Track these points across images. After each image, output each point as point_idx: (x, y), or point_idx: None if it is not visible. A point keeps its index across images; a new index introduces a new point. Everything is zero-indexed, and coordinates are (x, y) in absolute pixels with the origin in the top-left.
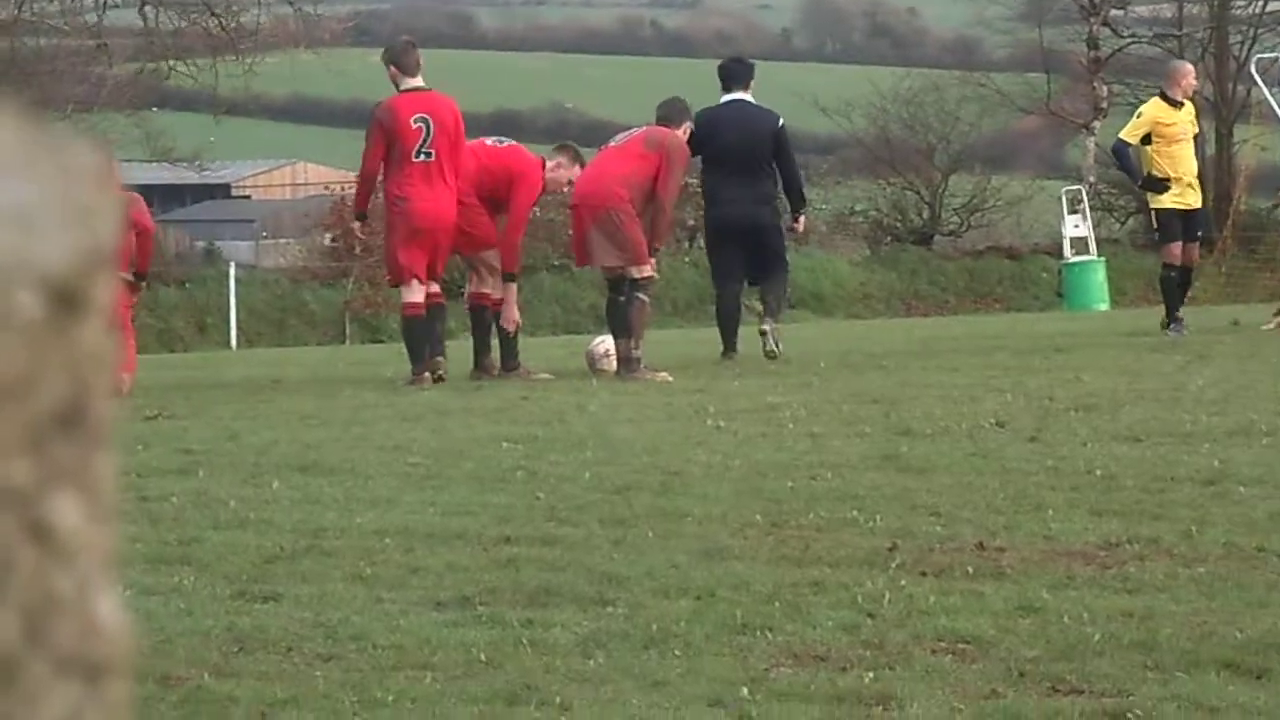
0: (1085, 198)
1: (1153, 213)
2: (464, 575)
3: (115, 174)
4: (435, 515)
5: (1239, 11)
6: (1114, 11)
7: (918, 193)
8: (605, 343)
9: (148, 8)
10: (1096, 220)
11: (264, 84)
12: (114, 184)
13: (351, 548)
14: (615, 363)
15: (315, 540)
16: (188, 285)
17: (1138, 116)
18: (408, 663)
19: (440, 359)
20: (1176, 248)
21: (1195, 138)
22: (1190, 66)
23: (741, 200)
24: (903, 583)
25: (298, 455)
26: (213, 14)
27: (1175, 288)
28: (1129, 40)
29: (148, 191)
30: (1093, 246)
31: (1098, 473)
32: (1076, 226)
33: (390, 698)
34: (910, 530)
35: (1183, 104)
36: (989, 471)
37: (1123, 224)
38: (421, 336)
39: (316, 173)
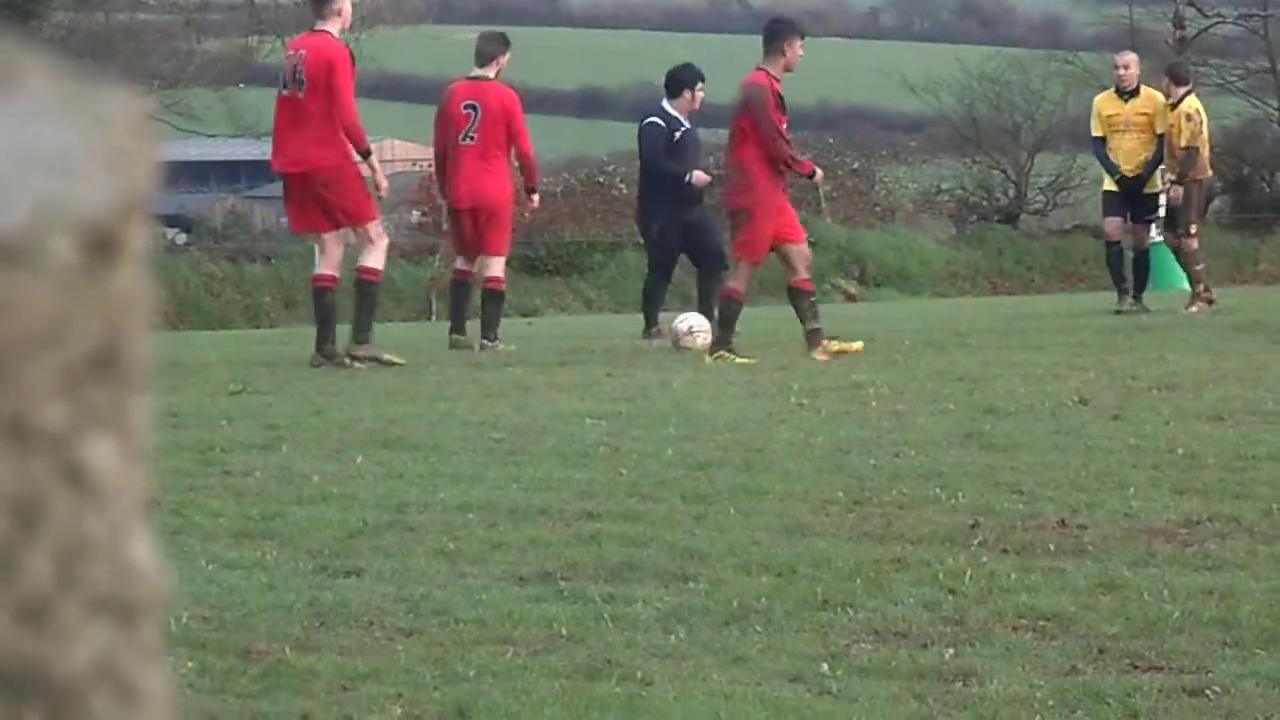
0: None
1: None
2: (546, 550)
3: (155, 124)
4: (518, 491)
5: None
6: None
7: (1004, 171)
8: (688, 320)
9: None
10: None
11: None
12: (151, 132)
13: (434, 523)
14: (698, 340)
15: (398, 515)
16: (274, 261)
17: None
18: (489, 637)
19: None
20: (1110, 224)
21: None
22: (1123, 55)
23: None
24: (984, 560)
25: (381, 431)
26: None
27: (1115, 263)
28: (1215, 20)
29: (235, 168)
30: None
31: (1179, 451)
32: (1161, 206)
33: (472, 672)
34: (992, 508)
35: (1135, 94)
36: (1071, 449)
37: (1209, 203)
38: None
39: (404, 149)
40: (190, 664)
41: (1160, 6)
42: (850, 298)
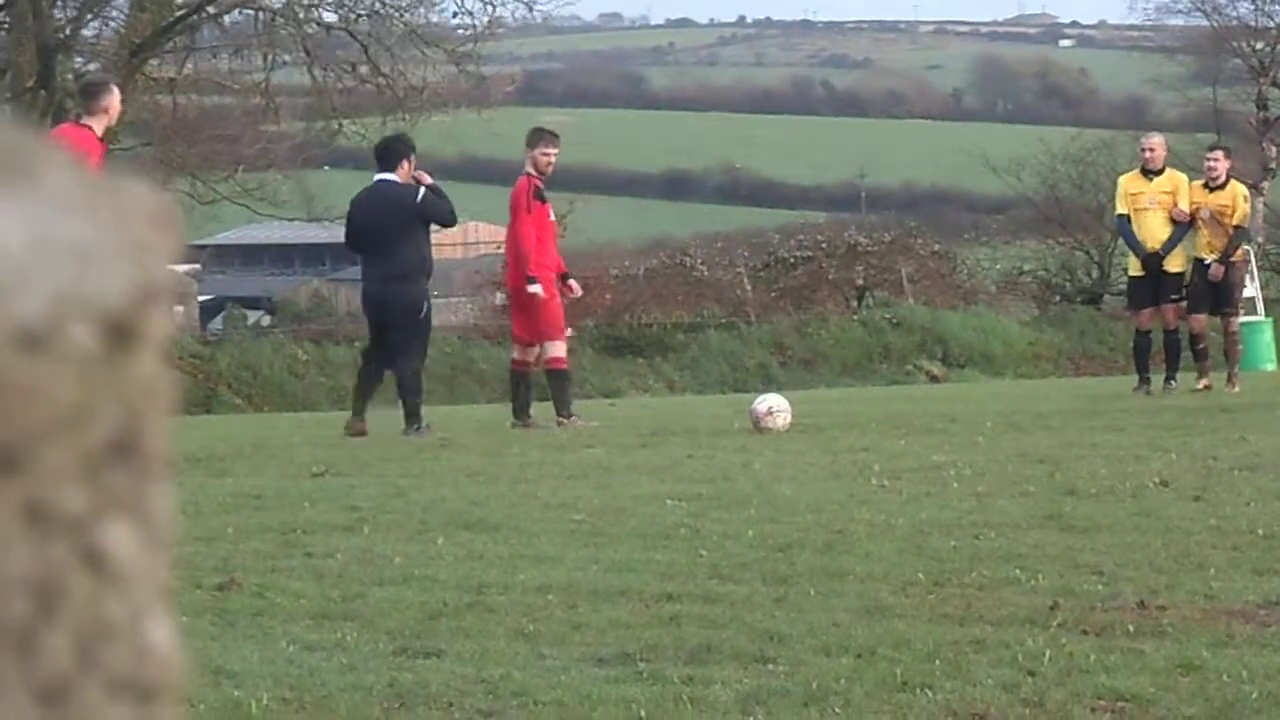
0: (1253, 258)
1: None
2: (626, 632)
3: (176, 216)
4: (598, 572)
5: None
6: None
7: (1087, 252)
8: (768, 401)
9: (316, 69)
10: (1265, 280)
11: (433, 144)
12: (171, 223)
13: (514, 604)
14: (778, 420)
15: (478, 596)
16: (358, 344)
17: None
18: (569, 719)
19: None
20: (1140, 315)
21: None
22: (1149, 138)
23: (374, 279)
24: (1063, 641)
25: (463, 512)
26: (380, 73)
27: (1141, 352)
28: None
29: (320, 250)
30: (1260, 307)
31: (1260, 532)
32: (1245, 286)
33: None
34: (1072, 589)
35: (1159, 174)
36: (1152, 530)
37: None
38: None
39: (487, 231)
40: None
41: (1244, 88)
42: (933, 379)
